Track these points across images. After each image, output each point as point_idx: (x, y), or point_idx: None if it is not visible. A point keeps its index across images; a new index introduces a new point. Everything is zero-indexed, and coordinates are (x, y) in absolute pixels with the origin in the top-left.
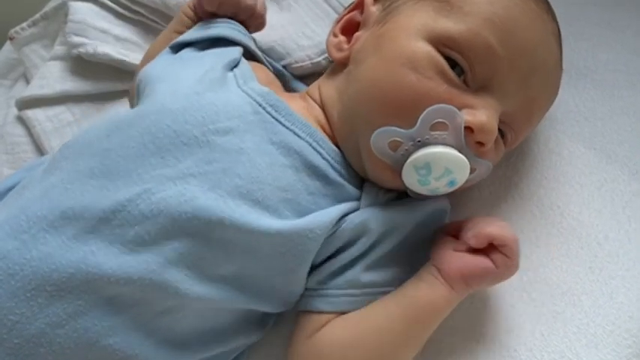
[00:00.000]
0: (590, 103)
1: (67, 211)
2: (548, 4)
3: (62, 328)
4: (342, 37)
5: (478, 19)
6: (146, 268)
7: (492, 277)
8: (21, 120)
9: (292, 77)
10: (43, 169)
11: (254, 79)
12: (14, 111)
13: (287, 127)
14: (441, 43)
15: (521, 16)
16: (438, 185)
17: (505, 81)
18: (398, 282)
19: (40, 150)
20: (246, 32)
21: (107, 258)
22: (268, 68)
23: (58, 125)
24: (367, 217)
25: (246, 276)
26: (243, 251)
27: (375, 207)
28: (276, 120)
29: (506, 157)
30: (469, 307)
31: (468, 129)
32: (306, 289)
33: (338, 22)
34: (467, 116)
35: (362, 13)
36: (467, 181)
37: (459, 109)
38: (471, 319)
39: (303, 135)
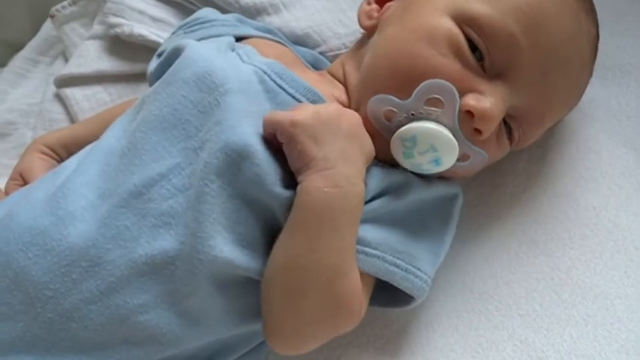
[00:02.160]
0: (633, 103)
1: (105, 192)
2: (590, 4)
3: (95, 304)
4: (374, 6)
5: (507, 5)
6: (178, 240)
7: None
8: (59, 97)
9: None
10: (82, 153)
11: (258, 54)
12: (53, 88)
13: (291, 95)
14: (465, 23)
15: (554, 10)
16: (422, 161)
17: (522, 73)
18: (387, 249)
19: None
20: (235, 20)
21: (141, 231)
22: (282, 43)
23: (94, 105)
24: (369, 174)
25: (266, 241)
26: (261, 212)
27: (379, 167)
28: (280, 87)
29: (544, 154)
30: (498, 305)
31: (469, 113)
32: None
33: None
34: (471, 100)
35: None
36: (459, 168)
37: (468, 92)
38: (499, 317)
39: (305, 102)
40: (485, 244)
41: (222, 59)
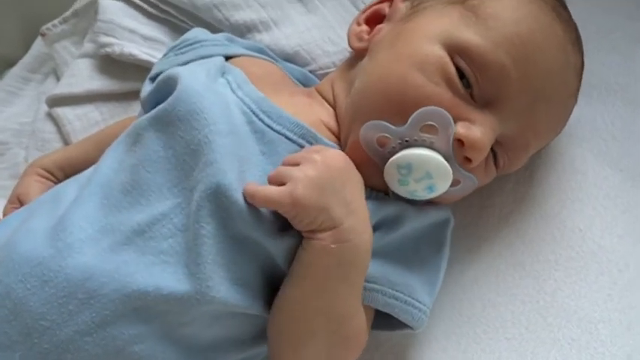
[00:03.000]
0: (618, 122)
1: (106, 226)
2: (577, 33)
3: (90, 336)
4: (364, 27)
5: (499, 36)
6: (175, 278)
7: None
8: (51, 117)
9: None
10: (80, 181)
11: (247, 82)
12: (45, 107)
13: (278, 132)
14: (456, 52)
15: (544, 42)
16: (417, 188)
17: (511, 103)
18: (386, 282)
19: None
20: (225, 39)
21: (138, 267)
22: (271, 61)
23: (86, 125)
24: None
25: (263, 278)
26: (255, 250)
27: (371, 200)
28: (268, 126)
29: (531, 175)
30: (485, 328)
31: (460, 142)
32: None
33: (364, 11)
34: (461, 129)
35: (390, 6)
36: (449, 193)
37: (458, 120)
38: (487, 340)
39: (294, 137)
40: (473, 265)
41: (213, 94)
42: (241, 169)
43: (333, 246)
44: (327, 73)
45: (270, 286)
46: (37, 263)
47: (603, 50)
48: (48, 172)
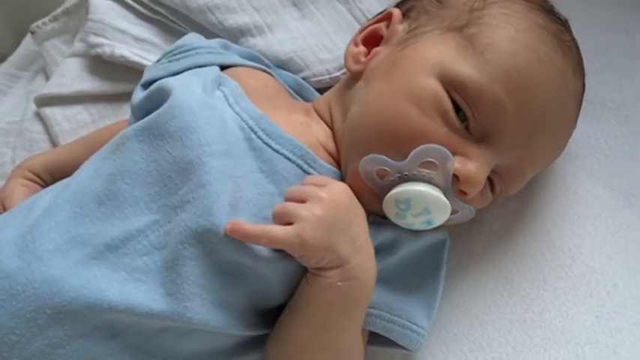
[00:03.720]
0: (612, 141)
1: (76, 236)
2: (578, 58)
3: (63, 349)
4: (362, 48)
5: (495, 70)
6: (149, 297)
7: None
8: (40, 116)
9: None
10: (53, 187)
11: (244, 97)
12: (33, 106)
13: (277, 151)
14: (451, 85)
15: (541, 73)
16: (415, 222)
17: (508, 136)
18: (384, 307)
19: None
20: (220, 46)
21: (110, 285)
22: (266, 70)
23: (75, 126)
24: None
25: (251, 300)
26: (245, 272)
27: (369, 225)
28: (267, 144)
29: (523, 190)
30: (472, 346)
31: (455, 176)
32: None
33: (362, 30)
34: (457, 164)
35: (388, 27)
36: (447, 221)
37: (454, 154)
38: (472, 359)
39: (293, 158)
40: (461, 280)
41: (209, 110)
42: (236, 189)
43: (339, 284)
44: (320, 81)
45: (258, 306)
46: (5, 276)
47: (600, 68)
48: (35, 174)
